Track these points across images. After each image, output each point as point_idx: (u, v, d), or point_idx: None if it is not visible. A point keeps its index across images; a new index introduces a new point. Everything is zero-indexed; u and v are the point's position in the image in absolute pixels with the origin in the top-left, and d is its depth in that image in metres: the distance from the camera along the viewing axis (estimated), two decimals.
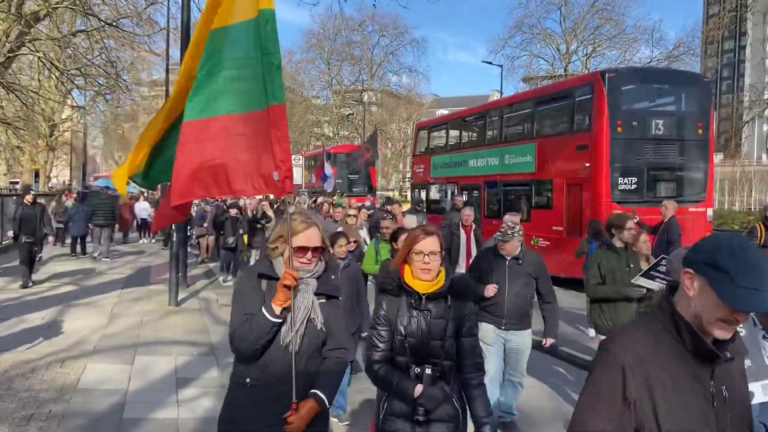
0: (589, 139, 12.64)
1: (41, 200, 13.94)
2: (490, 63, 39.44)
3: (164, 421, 5.28)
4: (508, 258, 5.23)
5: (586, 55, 40.17)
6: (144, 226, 22.46)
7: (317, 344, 2.77)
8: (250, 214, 15.11)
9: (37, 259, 12.20)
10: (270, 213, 16.26)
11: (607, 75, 12.73)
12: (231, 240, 13.17)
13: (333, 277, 2.94)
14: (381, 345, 3.02)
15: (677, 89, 13.86)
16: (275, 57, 2.95)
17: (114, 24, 18.83)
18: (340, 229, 6.84)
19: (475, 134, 18.92)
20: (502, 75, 38.23)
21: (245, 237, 14.78)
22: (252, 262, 15.63)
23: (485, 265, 5.37)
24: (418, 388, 2.86)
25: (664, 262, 4.96)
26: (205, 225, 15.93)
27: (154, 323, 9.01)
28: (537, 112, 15.29)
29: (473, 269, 5.63)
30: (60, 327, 8.54)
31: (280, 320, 2.63)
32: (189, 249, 14.78)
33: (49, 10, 17.55)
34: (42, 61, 21.74)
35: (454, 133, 20.20)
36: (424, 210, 14.49)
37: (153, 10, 21.17)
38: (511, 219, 7.03)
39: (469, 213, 10.08)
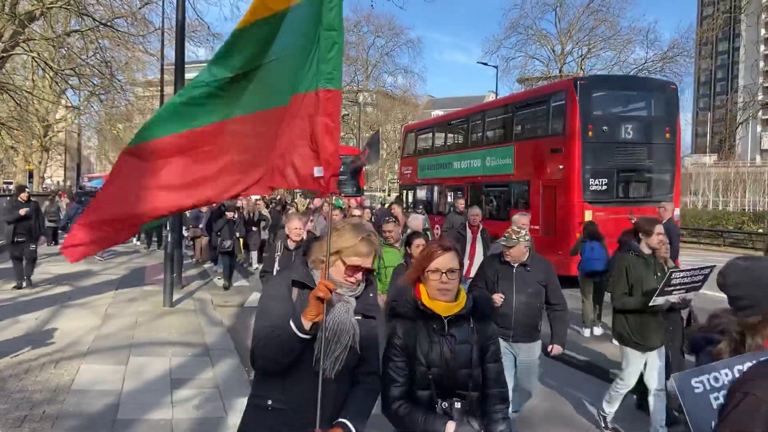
0: (563, 143, 13.25)
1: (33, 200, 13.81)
2: (486, 64, 39.67)
3: (159, 421, 5.26)
4: (516, 265, 4.87)
5: (581, 56, 40.27)
6: None
7: (349, 367, 2.48)
8: (246, 215, 15.05)
9: (33, 256, 12.03)
10: (265, 213, 16.24)
11: (578, 82, 13.47)
12: (228, 244, 12.79)
13: (371, 295, 2.63)
14: (399, 379, 2.63)
15: (646, 95, 14.63)
16: (339, 35, 2.59)
17: (109, 24, 18.82)
18: None
19: (458, 137, 19.63)
20: (497, 76, 38.42)
21: (241, 240, 14.75)
22: (253, 264, 15.55)
23: (491, 272, 5.02)
24: (450, 426, 2.51)
25: (674, 275, 4.81)
26: (201, 226, 15.88)
27: (148, 324, 8.97)
28: (515, 117, 15.97)
29: (478, 277, 5.26)
30: (54, 328, 8.49)
31: (308, 337, 2.32)
32: (184, 250, 14.73)
33: (44, 9, 17.50)
34: (36, 61, 21.71)
35: (439, 136, 21.04)
36: (425, 211, 14.72)
37: (148, 10, 21.20)
38: (520, 220, 6.62)
39: (477, 213, 9.76)
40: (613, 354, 7.83)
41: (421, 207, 14.95)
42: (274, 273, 6.33)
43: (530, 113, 15.68)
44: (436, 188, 20.13)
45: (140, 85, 33.48)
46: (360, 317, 2.51)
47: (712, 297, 5.07)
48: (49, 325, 8.66)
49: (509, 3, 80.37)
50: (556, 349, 5.08)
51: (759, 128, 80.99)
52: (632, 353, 5.19)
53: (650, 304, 4.87)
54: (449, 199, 19.06)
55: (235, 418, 5.34)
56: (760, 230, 29.67)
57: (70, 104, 32.85)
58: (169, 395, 5.92)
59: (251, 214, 15.32)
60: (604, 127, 13.19)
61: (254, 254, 15.86)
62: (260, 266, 14.28)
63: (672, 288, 4.87)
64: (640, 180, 13.82)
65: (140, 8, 20.15)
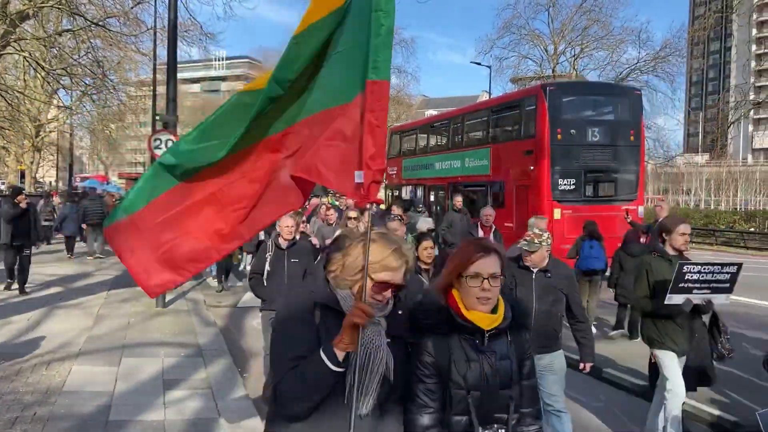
0: (534, 145, 13.98)
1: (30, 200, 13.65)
2: (479, 64, 39.58)
3: (151, 423, 5.23)
4: (535, 270, 4.53)
5: (573, 56, 40.23)
6: None
7: (382, 399, 2.17)
8: None
9: (26, 263, 11.75)
10: None
11: (548, 88, 14.30)
12: None
13: (400, 313, 2.30)
14: (432, 404, 2.26)
15: (611, 100, 15.57)
16: (387, 17, 2.30)
17: (101, 23, 18.72)
18: (338, 232, 6.58)
19: (440, 139, 20.43)
20: (490, 76, 38.37)
21: None
22: (246, 267, 15.24)
23: (507, 278, 4.47)
24: None
25: (685, 269, 4.46)
26: None
27: (141, 324, 8.94)
28: (491, 121, 16.84)
29: None
30: (46, 329, 8.45)
31: (343, 369, 2.03)
32: None
33: (35, 9, 17.41)
34: (27, 61, 21.61)
35: (422, 137, 21.90)
36: (425, 211, 14.92)
37: (140, 10, 21.04)
38: (537, 223, 6.24)
39: (490, 213, 9.31)
40: (607, 352, 7.85)
41: (421, 206, 15.04)
42: (265, 274, 6.18)
43: (504, 117, 16.53)
44: (419, 188, 20.86)
45: (133, 85, 33.33)
46: (389, 340, 2.20)
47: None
48: (41, 326, 8.61)
49: (502, 3, 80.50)
50: (588, 365, 4.77)
51: (750, 128, 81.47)
52: (667, 356, 4.77)
53: (665, 302, 4.52)
54: (432, 198, 19.43)
55: (227, 419, 5.33)
56: (752, 229, 29.85)
57: (61, 104, 32.69)
58: (162, 396, 5.89)
59: None
60: (572, 131, 13.94)
61: (249, 256, 15.57)
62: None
63: (691, 285, 4.48)
64: (606, 180, 14.55)
65: (132, 8, 20.07)
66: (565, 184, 13.77)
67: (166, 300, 10.39)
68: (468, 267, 2.29)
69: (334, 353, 2.00)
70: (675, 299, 4.49)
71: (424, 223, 8.88)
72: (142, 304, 10.35)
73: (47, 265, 14.73)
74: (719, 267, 4.57)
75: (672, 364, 4.74)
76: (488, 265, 2.28)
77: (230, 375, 6.71)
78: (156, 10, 18.38)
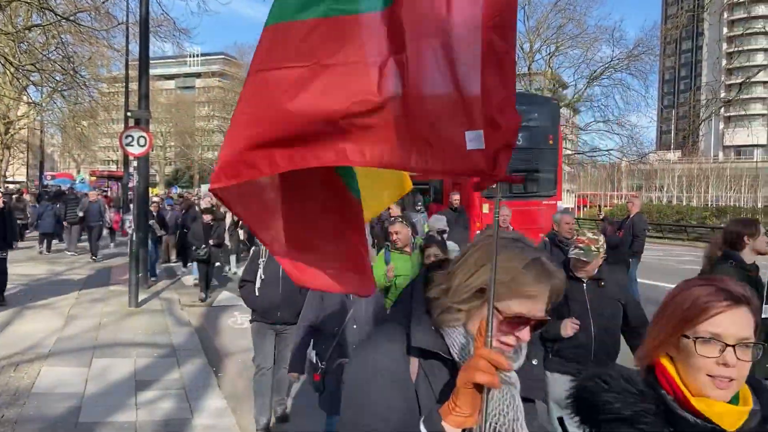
0: None
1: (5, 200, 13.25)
2: None
3: (123, 424, 5.16)
4: (587, 280, 3.97)
5: (549, 54, 40.66)
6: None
7: None
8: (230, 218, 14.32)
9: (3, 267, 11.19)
10: None
11: None
12: (203, 251, 11.33)
13: (534, 362, 1.52)
14: None
15: (532, 109, 16.97)
16: None
17: (71, 18, 18.38)
18: None
19: None
20: None
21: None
22: (233, 268, 14.92)
23: None
24: None
25: None
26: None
27: (113, 325, 8.80)
28: None
29: None
30: (14, 330, 8.28)
31: None
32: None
33: (4, 3, 17.03)
34: None
35: None
36: (423, 209, 15.24)
37: (111, 5, 20.69)
38: (564, 218, 6.06)
39: (506, 213, 8.08)
40: None
41: (420, 205, 15.15)
42: (257, 283, 5.36)
43: None
44: None
45: (105, 81, 32.81)
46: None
47: None
48: (10, 327, 8.44)
49: None
50: None
51: (721, 125, 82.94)
52: None
53: (763, 316, 3.80)
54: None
55: (200, 419, 5.29)
56: (722, 225, 30.36)
57: (31, 101, 32.05)
58: (134, 397, 5.81)
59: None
60: None
61: (232, 258, 15.26)
62: (237, 270, 13.94)
63: None
64: (529, 179, 15.89)
65: (103, 2, 19.71)
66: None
67: (140, 299, 10.24)
68: (699, 323, 1.40)
69: (442, 429, 1.23)
70: (766, 311, 3.80)
71: (437, 222, 8.11)
72: (115, 304, 10.21)
73: (18, 265, 14.43)
74: None
75: None
76: (736, 323, 1.39)
77: (204, 375, 6.65)
78: (128, 5, 18.08)
